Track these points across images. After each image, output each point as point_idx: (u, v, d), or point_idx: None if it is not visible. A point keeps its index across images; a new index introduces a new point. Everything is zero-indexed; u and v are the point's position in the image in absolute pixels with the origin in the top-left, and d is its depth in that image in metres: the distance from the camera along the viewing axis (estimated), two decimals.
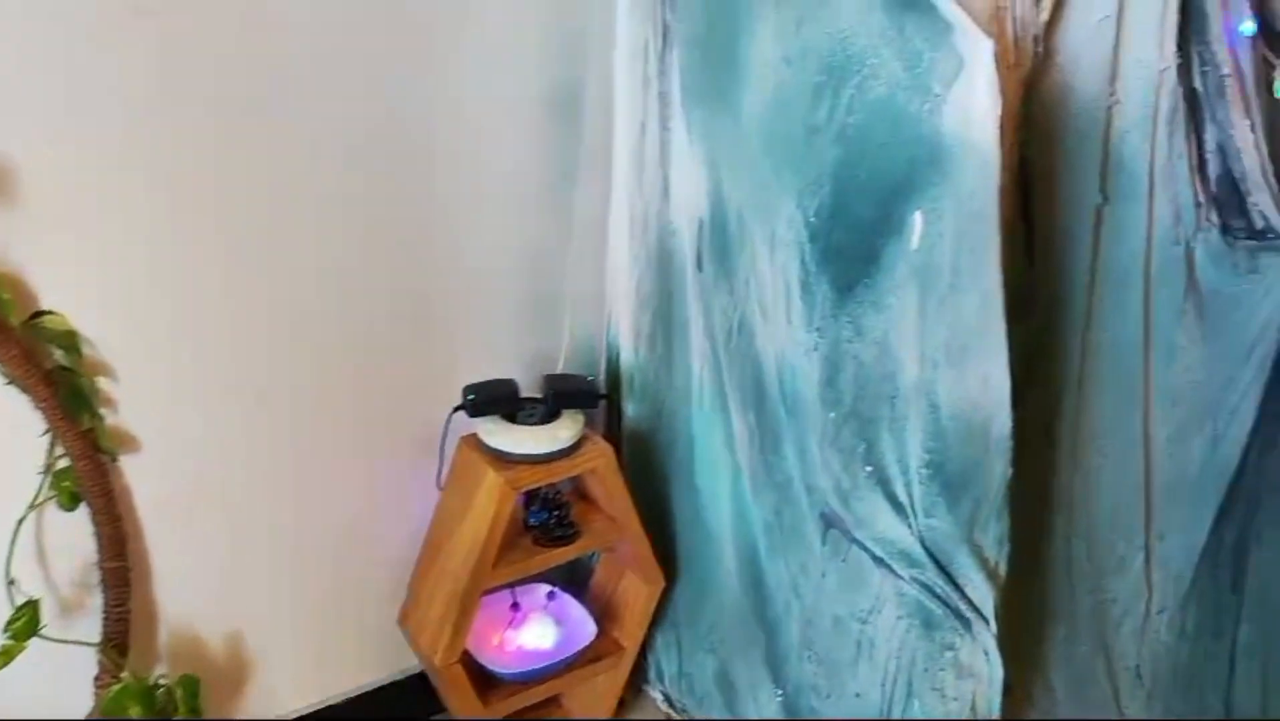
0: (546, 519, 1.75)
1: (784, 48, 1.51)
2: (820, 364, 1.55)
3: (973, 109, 1.34)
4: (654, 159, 1.78)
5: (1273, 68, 1.87)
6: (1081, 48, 1.65)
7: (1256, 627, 1.93)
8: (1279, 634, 1.93)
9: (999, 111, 1.33)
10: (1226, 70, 1.73)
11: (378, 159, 1.64)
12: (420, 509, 1.79)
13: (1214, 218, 1.81)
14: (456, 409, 1.71)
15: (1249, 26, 1.74)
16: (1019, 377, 1.71)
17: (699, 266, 1.76)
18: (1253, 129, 1.78)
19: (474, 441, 1.74)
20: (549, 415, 1.73)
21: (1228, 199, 1.82)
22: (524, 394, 1.75)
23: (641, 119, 1.77)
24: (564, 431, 1.72)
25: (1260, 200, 1.79)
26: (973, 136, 1.34)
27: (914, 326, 1.44)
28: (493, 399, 1.70)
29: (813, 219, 1.51)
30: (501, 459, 1.69)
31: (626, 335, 1.87)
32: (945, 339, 1.42)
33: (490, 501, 1.66)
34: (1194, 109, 1.77)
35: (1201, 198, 1.79)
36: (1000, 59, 1.49)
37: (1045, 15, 1.58)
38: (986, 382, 1.42)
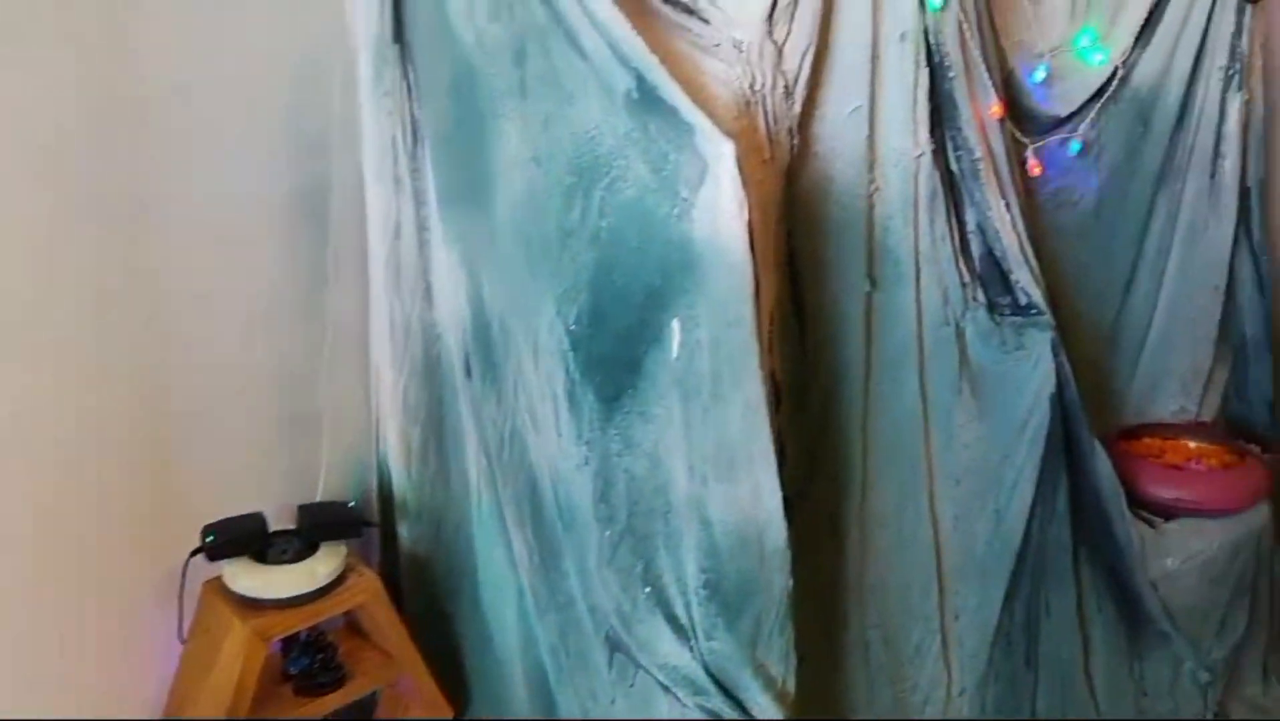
0: (308, 665, 1.57)
1: (532, 146, 1.42)
2: (592, 478, 1.45)
3: (719, 214, 1.28)
4: (412, 261, 1.66)
5: (1024, 147, 1.93)
6: (838, 138, 1.64)
7: (1053, 699, 1.94)
8: (1074, 703, 1.94)
9: (746, 216, 1.28)
10: (979, 154, 1.76)
11: (100, 263, 1.46)
12: (162, 666, 1.58)
13: (981, 296, 1.83)
14: (194, 552, 1.52)
15: (996, 111, 1.79)
16: (803, 470, 1.67)
17: (467, 373, 1.64)
18: (1008, 208, 1.82)
19: (218, 586, 1.55)
20: (305, 550, 1.56)
21: (992, 277, 1.85)
22: (275, 527, 1.58)
23: (396, 219, 1.65)
24: (323, 567, 1.55)
25: (1021, 277, 1.83)
26: (722, 242, 1.29)
27: (681, 437, 1.37)
28: (236, 538, 1.52)
29: (573, 326, 1.42)
30: (250, 605, 1.51)
31: (396, 451, 1.73)
32: (712, 451, 1.35)
33: (237, 655, 1.47)
34: (953, 192, 1.79)
35: (967, 278, 1.81)
36: (754, 153, 1.46)
37: (798, 107, 1.57)
38: (758, 494, 1.36)
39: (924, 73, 1.68)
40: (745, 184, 1.28)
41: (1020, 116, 2.03)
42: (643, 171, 1.33)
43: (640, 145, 1.33)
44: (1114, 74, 2.11)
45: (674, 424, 1.37)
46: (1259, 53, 2.27)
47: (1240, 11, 2.16)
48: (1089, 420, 1.92)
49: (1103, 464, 1.90)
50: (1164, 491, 2.03)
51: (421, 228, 1.64)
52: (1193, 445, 2.21)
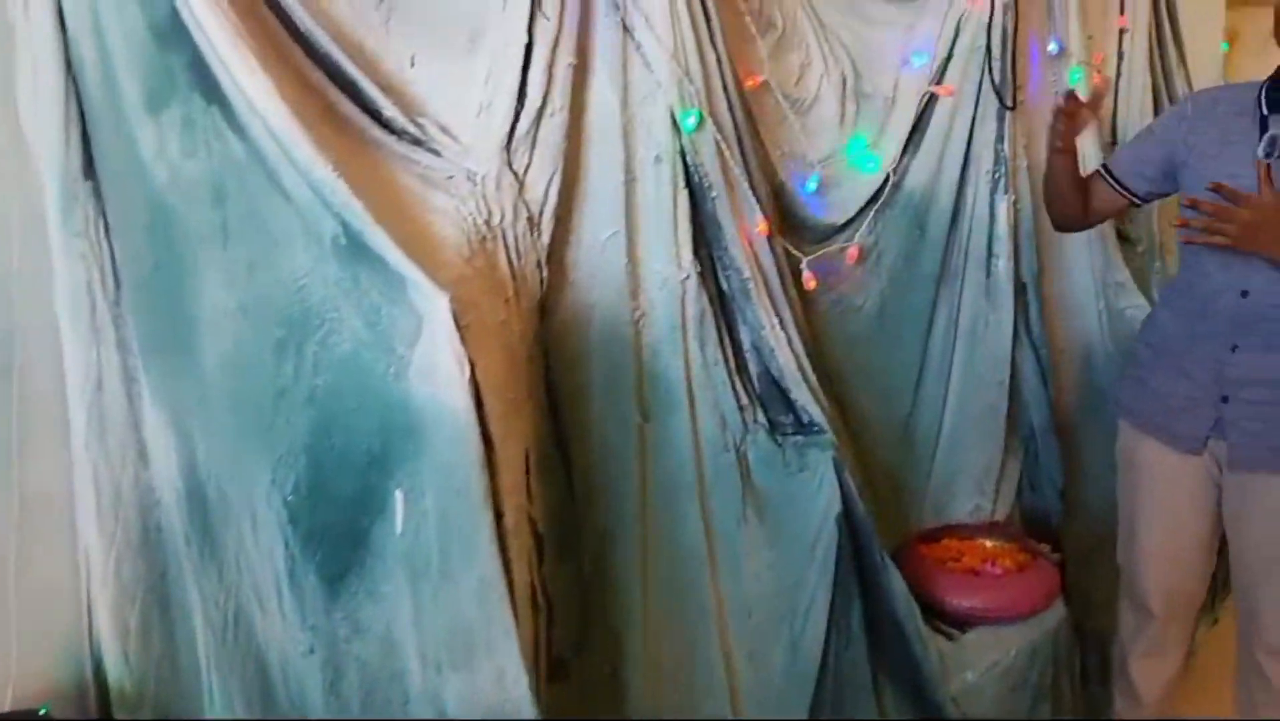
0: None
1: (238, 296, 1.26)
2: (321, 667, 1.27)
3: (438, 372, 1.16)
4: (120, 417, 1.45)
5: (799, 260, 1.89)
6: (596, 265, 1.55)
7: None
8: None
9: (468, 374, 1.16)
10: (748, 273, 1.70)
11: None
12: None
13: (761, 417, 1.76)
14: None
15: (761, 230, 1.74)
16: (575, 625, 1.54)
17: (188, 543, 1.44)
18: (782, 326, 1.76)
19: None
20: None
21: (772, 396, 1.78)
22: None
23: (97, 371, 1.44)
24: None
25: (800, 395, 1.77)
26: (442, 404, 1.16)
27: (411, 621, 1.22)
28: None
29: (290, 496, 1.25)
30: None
31: (111, 635, 1.49)
32: (445, 635, 1.20)
33: None
34: (724, 312, 1.73)
35: (745, 400, 1.74)
36: (493, 292, 1.34)
37: (546, 238, 1.47)
38: (501, 680, 1.21)
39: (684, 194, 1.61)
40: (467, 338, 1.16)
41: (796, 227, 2.01)
42: (357, 325, 1.19)
43: (352, 296, 1.19)
44: (886, 181, 2.12)
45: (405, 605, 1.21)
46: (1022, 154, 2.34)
47: (1000, 118, 2.22)
48: (878, 537, 1.87)
49: (895, 581, 1.84)
50: (960, 601, 1.99)
51: (129, 379, 1.44)
52: (989, 544, 2.20)
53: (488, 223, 1.36)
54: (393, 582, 1.21)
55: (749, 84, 1.86)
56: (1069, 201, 2.04)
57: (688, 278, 1.62)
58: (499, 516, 1.21)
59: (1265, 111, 1.76)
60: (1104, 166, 2.03)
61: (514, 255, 1.40)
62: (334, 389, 1.21)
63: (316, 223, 1.19)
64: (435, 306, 1.14)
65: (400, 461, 1.18)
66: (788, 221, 1.98)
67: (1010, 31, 2.18)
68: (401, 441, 1.18)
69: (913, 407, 2.24)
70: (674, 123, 1.58)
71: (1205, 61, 3.58)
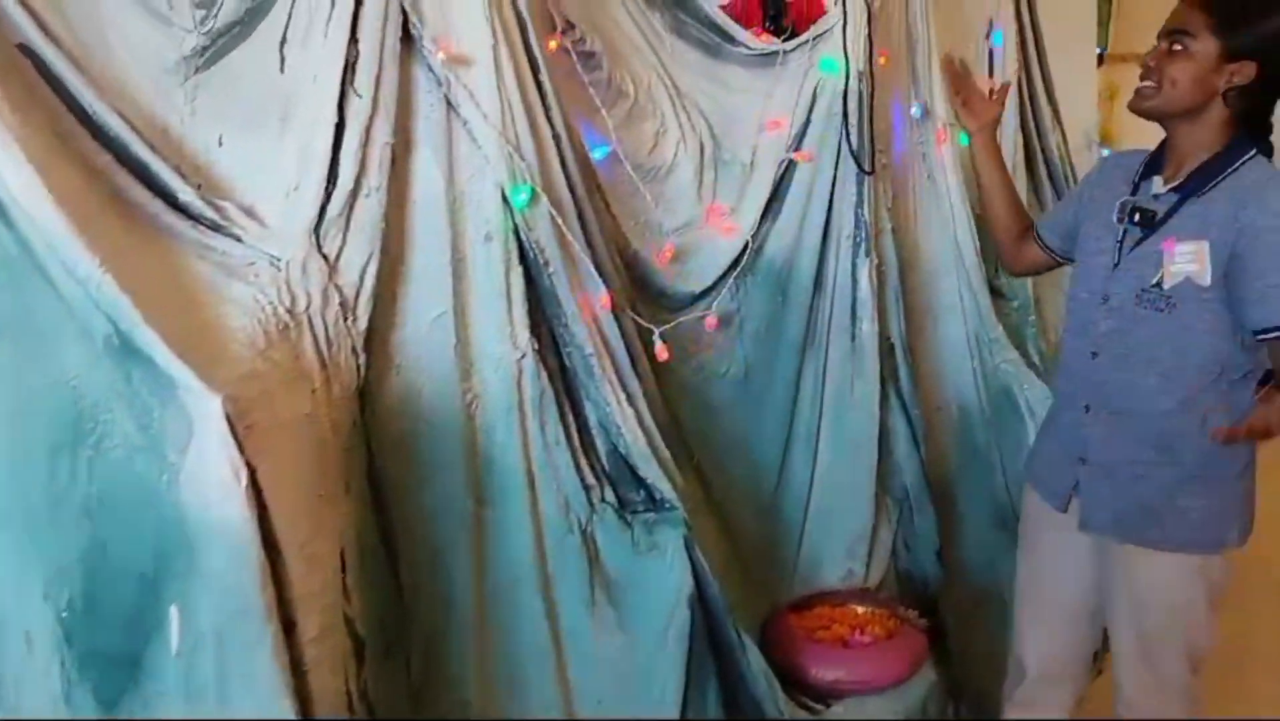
0: None
1: (7, 396, 1.17)
2: None
3: (210, 481, 1.08)
4: None
5: (650, 332, 1.85)
6: (422, 347, 1.49)
7: None
8: None
9: (245, 482, 1.09)
10: (590, 349, 1.65)
11: None
12: None
13: (610, 496, 1.71)
14: None
15: (604, 307, 1.69)
16: None
17: None
18: (630, 401, 1.72)
19: None
20: None
21: (622, 474, 1.73)
22: None
23: None
24: None
25: (650, 472, 1.72)
26: (216, 517, 1.08)
27: None
28: None
29: (65, 613, 1.16)
30: None
31: None
32: None
33: None
34: (569, 390, 1.68)
35: (591, 479, 1.68)
36: (295, 385, 1.27)
37: (363, 323, 1.40)
38: None
39: (518, 271, 1.57)
40: (253, 438, 1.09)
41: (654, 297, 1.97)
42: (130, 429, 1.11)
43: (125, 398, 1.11)
44: (745, 247, 2.10)
45: None
46: (886, 216, 2.36)
47: (860, 183, 2.22)
48: (741, 611, 1.83)
49: (754, 659, 1.79)
50: (825, 673, 1.95)
51: None
52: (861, 610, 2.18)
53: (291, 310, 1.29)
54: (169, 707, 1.12)
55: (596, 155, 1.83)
56: (994, 214, 2.09)
57: (524, 356, 1.57)
58: (291, 627, 1.14)
59: (1139, 177, 1.76)
60: (1034, 225, 2.08)
61: (323, 342, 1.33)
62: (108, 498, 1.13)
63: (88, 320, 1.11)
64: (207, 409, 1.07)
65: (174, 577, 1.10)
66: (646, 292, 1.95)
67: (867, 97, 2.20)
68: (175, 556, 1.10)
69: (781, 474, 2.22)
70: (505, 199, 1.53)
71: (1080, 120, 3.69)
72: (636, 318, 1.80)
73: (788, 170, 2.17)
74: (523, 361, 1.57)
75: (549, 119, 1.61)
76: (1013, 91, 3.09)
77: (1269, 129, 1.66)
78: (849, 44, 2.17)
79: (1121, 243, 1.73)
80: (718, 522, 2.05)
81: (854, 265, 2.23)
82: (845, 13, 2.17)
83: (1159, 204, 1.68)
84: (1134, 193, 1.75)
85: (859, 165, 2.20)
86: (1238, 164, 1.60)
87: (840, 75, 2.16)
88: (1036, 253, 2.06)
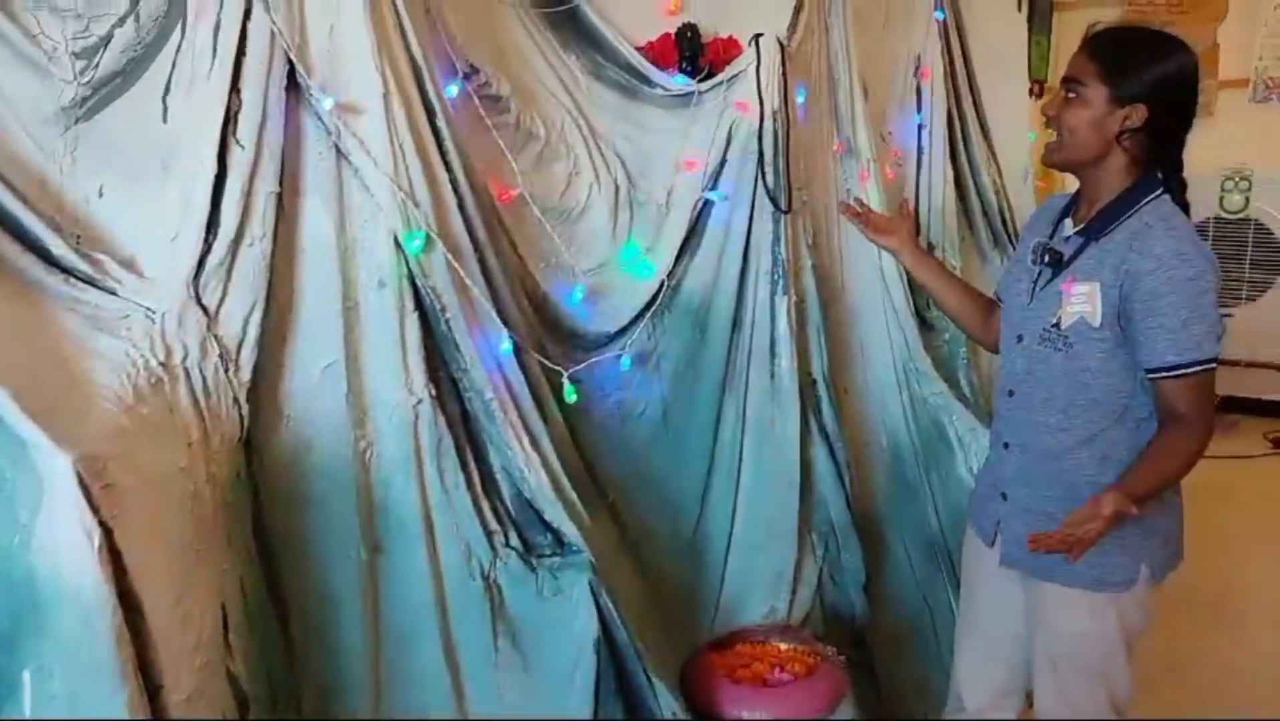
0: None
1: None
2: None
3: (61, 543, 1.06)
4: None
5: (559, 374, 1.85)
6: (312, 398, 1.47)
7: None
8: None
9: (97, 542, 1.07)
10: (491, 394, 1.65)
11: None
12: None
13: (515, 541, 1.69)
14: None
15: (506, 348, 1.69)
16: None
17: None
18: (535, 445, 1.71)
19: None
20: None
21: (528, 518, 1.72)
22: None
23: None
24: None
25: (555, 515, 1.71)
26: (67, 576, 1.06)
27: None
28: None
29: None
30: None
31: None
32: None
33: None
34: (471, 435, 1.67)
35: (494, 524, 1.67)
36: (167, 439, 1.25)
37: (246, 372, 1.39)
38: None
39: (413, 318, 1.56)
40: (112, 497, 1.07)
41: (566, 338, 1.97)
42: None
43: None
44: (662, 286, 2.11)
45: None
46: (807, 254, 2.37)
47: (776, 220, 2.24)
48: (661, 651, 1.82)
49: (665, 702, 1.78)
50: (742, 713, 1.94)
51: None
52: (783, 647, 2.17)
53: (165, 363, 1.27)
54: None
55: (502, 198, 1.83)
56: (951, 310, 2.05)
57: (420, 403, 1.56)
58: (158, 688, 1.11)
59: (1058, 219, 1.77)
60: (996, 292, 2.03)
61: (202, 394, 1.31)
62: None
63: None
64: (57, 470, 1.05)
65: (27, 640, 1.08)
66: (557, 333, 1.95)
67: (782, 136, 2.22)
68: (27, 618, 1.07)
69: (702, 512, 2.21)
70: (399, 245, 1.53)
71: (1014, 154, 3.74)
72: (543, 360, 1.79)
73: (704, 209, 2.18)
74: (419, 408, 1.56)
75: (446, 164, 1.62)
76: (942, 124, 3.15)
77: (1178, 166, 1.67)
78: (763, 84, 2.19)
79: (1035, 283, 1.74)
80: (635, 563, 2.04)
81: (772, 302, 2.24)
82: (759, 53, 2.19)
83: (1067, 246, 1.70)
84: (1052, 235, 1.76)
85: (775, 204, 2.22)
86: (1139, 206, 1.62)
87: (754, 114, 2.18)
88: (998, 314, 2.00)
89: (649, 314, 2.09)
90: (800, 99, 2.39)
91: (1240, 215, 4.78)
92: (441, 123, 1.61)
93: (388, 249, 1.52)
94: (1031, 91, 5.29)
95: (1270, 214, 4.72)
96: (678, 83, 2.20)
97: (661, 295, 2.10)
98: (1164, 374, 1.58)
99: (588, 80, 2.14)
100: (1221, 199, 4.80)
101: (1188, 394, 1.57)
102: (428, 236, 1.55)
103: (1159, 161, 1.65)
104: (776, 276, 2.24)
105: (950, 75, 3.24)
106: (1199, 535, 3.68)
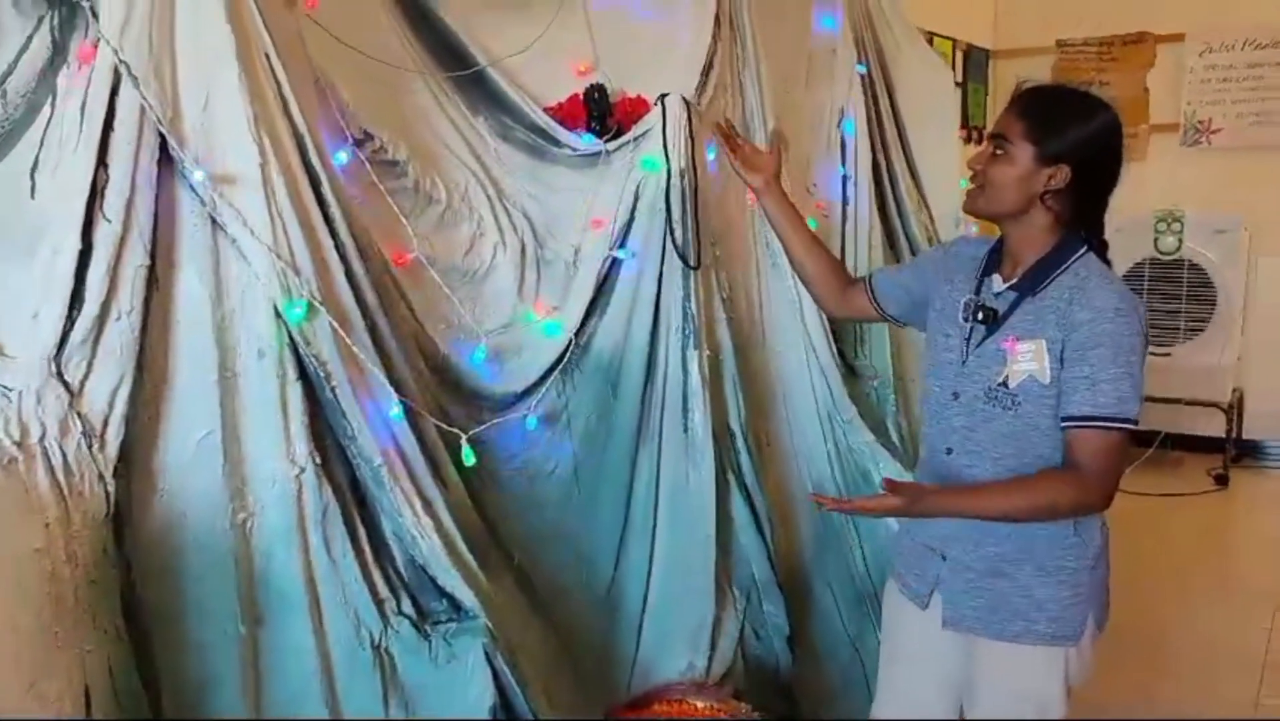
0: None
1: None
2: None
3: None
4: None
5: (457, 436, 1.83)
6: (187, 470, 1.45)
7: None
8: None
9: None
10: (380, 460, 1.63)
11: None
12: None
13: (408, 608, 1.67)
14: None
15: (396, 413, 1.68)
16: None
17: None
18: (429, 509, 1.69)
19: None
20: None
21: (422, 585, 1.70)
22: None
23: None
24: None
25: (449, 581, 1.69)
26: None
27: None
28: None
29: None
30: None
31: None
32: None
33: None
34: (361, 503, 1.65)
35: (385, 591, 1.64)
36: (24, 520, 1.23)
37: (113, 448, 1.36)
38: None
39: (295, 386, 1.54)
40: None
41: (469, 399, 1.96)
42: None
43: None
44: (570, 344, 2.11)
45: None
46: (721, 307, 2.38)
47: (686, 277, 2.25)
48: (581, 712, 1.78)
49: None
50: None
51: None
52: (699, 705, 2.14)
53: (20, 442, 1.25)
54: None
55: (398, 262, 1.83)
56: (803, 269, 2.07)
57: (303, 472, 1.54)
58: None
59: (980, 273, 1.74)
60: (870, 274, 2.06)
61: (62, 473, 1.29)
62: None
63: None
64: None
65: None
66: (460, 394, 1.94)
67: (690, 193, 2.24)
68: None
69: (617, 569, 2.19)
70: (279, 314, 1.52)
71: (946, 199, 3.79)
72: (439, 424, 1.78)
73: (613, 267, 2.19)
74: (302, 477, 1.54)
75: (332, 231, 1.61)
76: (867, 175, 3.18)
77: (1100, 228, 1.67)
78: (669, 142, 2.21)
79: (968, 340, 1.70)
80: (547, 623, 2.01)
81: (684, 357, 2.24)
82: (665, 111, 2.22)
83: (1000, 302, 1.68)
84: (978, 291, 1.73)
85: (684, 260, 2.23)
86: (1069, 262, 1.62)
87: (661, 172, 2.20)
88: (864, 304, 2.01)
89: (557, 372, 2.08)
90: (711, 155, 2.41)
91: (1174, 256, 4.85)
92: (327, 190, 1.61)
93: (267, 318, 1.50)
94: (970, 137, 5.43)
95: (1203, 254, 4.80)
96: (585, 142, 2.22)
97: (570, 353, 2.10)
98: (1076, 424, 1.56)
99: (496, 142, 2.16)
100: (1156, 240, 4.87)
101: (1091, 447, 1.54)
102: (309, 304, 1.54)
103: (1080, 221, 1.64)
104: (688, 331, 2.25)
105: (877, 127, 3.29)
106: (1143, 572, 3.71)
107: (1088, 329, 1.54)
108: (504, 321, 2.03)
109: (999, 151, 1.64)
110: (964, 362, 1.70)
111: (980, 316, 1.68)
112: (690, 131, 2.25)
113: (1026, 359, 1.60)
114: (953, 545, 1.73)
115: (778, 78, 2.97)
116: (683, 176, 2.22)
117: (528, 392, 2.03)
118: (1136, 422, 1.54)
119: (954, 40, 5.07)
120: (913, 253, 3.45)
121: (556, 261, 2.15)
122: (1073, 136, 1.58)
